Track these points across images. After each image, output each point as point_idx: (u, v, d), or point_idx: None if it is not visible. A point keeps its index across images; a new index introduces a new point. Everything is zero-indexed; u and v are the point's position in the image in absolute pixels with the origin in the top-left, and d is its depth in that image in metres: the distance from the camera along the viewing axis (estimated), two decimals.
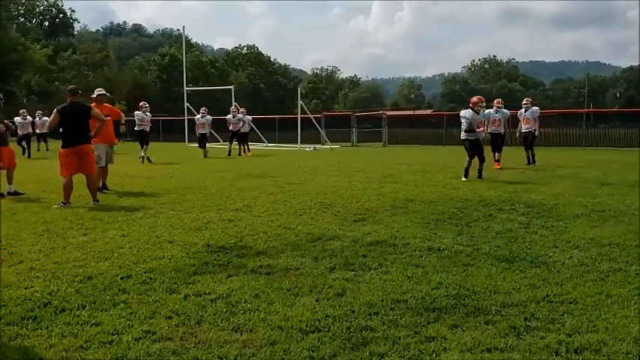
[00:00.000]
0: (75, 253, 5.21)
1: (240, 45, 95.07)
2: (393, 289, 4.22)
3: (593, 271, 4.65)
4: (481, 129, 11.69)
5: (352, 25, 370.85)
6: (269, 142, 29.23)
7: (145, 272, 4.61)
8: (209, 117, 20.37)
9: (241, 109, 21.35)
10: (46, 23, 67.69)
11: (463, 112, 11.60)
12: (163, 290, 4.16)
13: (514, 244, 5.63)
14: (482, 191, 9.31)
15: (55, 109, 8.10)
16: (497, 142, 13.72)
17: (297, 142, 26.18)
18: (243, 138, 20.91)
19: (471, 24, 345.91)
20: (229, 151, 20.24)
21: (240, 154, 20.38)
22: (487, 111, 13.33)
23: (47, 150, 21.58)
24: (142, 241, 5.75)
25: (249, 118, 21.94)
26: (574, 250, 5.36)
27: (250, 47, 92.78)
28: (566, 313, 3.69)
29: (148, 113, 18.13)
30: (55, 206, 7.84)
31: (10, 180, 9.17)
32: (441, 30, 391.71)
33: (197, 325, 3.51)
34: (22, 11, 64.49)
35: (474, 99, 11.78)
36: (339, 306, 3.84)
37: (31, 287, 4.18)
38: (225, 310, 3.76)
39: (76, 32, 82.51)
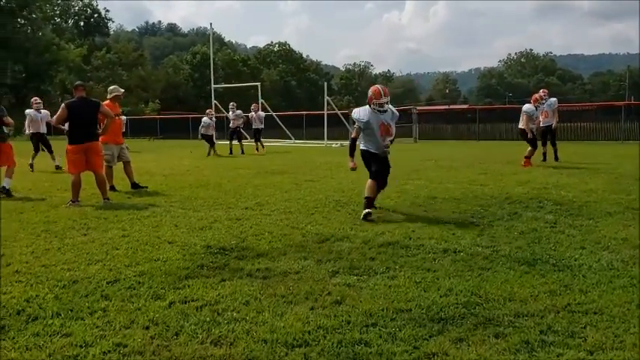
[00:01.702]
0: (67, 255, 4.97)
1: (271, 42, 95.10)
2: (398, 296, 3.83)
3: (624, 276, 4.17)
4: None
5: (386, 20, 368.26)
6: (296, 139, 28.92)
7: (134, 276, 4.33)
8: (239, 111, 20.12)
9: (252, 106, 21.06)
10: (82, 23, 68.87)
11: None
12: (148, 296, 3.86)
13: (537, 245, 5.16)
14: (509, 188, 8.79)
15: (64, 104, 7.92)
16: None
17: (324, 139, 25.81)
18: (256, 135, 20.57)
19: (508, 17, 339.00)
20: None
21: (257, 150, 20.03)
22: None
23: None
24: (140, 241, 5.48)
25: (262, 114, 21.51)
26: (603, 251, 4.87)
27: (282, 44, 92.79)
28: (588, 326, 3.25)
29: (213, 118, 19.40)
30: (64, 205, 7.67)
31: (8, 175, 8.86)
32: (477, 24, 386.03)
33: (174, 337, 3.19)
34: (57, 11, 65.71)
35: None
36: (335, 316, 3.48)
37: (9, 293, 3.94)
38: (208, 319, 3.43)
39: (112, 32, 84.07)
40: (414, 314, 3.49)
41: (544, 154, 13.27)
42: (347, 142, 25.85)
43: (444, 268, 4.50)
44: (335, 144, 24.24)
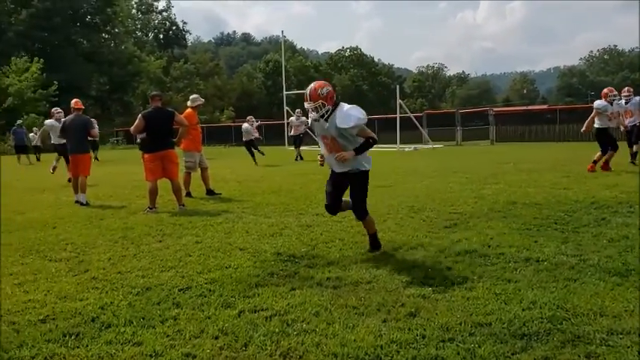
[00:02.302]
0: (142, 262, 5.06)
1: (342, 47, 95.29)
2: (476, 309, 3.60)
3: None
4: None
5: (460, 19, 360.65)
6: None
7: (205, 283, 4.32)
8: (304, 119, 20.07)
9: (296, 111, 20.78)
10: (161, 36, 71.75)
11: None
12: (219, 304, 3.83)
13: (630, 254, 4.75)
14: (595, 192, 8.24)
15: (140, 114, 8.16)
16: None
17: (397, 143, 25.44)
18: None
19: (590, 11, 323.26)
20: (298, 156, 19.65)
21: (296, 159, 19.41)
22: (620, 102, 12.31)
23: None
24: (213, 248, 5.51)
25: (299, 121, 20.93)
26: None
27: (353, 49, 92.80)
28: None
29: (254, 125, 19.01)
30: (142, 212, 7.89)
31: (80, 189, 9.11)
32: (557, 20, 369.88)
33: (243, 349, 3.12)
34: (138, 26, 68.82)
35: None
36: (409, 329, 3.30)
37: (86, 299, 4.02)
38: (278, 330, 3.35)
39: (189, 43, 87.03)
40: (494, 329, 3.26)
41: (633, 154, 12.40)
42: (421, 146, 25.45)
43: (526, 278, 4.21)
44: (408, 148, 23.87)
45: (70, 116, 9.45)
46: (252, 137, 18.59)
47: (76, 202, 9.00)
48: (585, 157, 12.49)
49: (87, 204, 8.96)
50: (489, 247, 5.23)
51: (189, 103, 9.93)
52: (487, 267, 4.57)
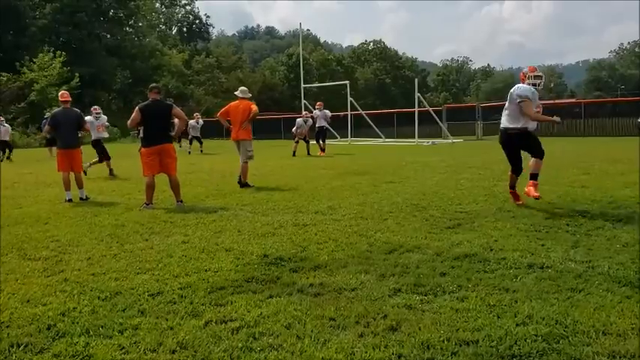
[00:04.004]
0: (121, 263, 4.80)
1: (366, 41, 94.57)
2: (465, 323, 3.25)
3: None
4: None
5: (485, 13, 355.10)
6: (387, 138, 28.28)
7: (178, 288, 4.04)
8: (326, 111, 19.69)
9: (317, 104, 20.21)
10: (184, 30, 71.95)
11: None
12: (186, 313, 3.54)
13: None
14: (614, 190, 7.78)
15: (137, 107, 7.91)
16: None
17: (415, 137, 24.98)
18: (320, 134, 19.48)
19: (620, 2, 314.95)
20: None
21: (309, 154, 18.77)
22: None
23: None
24: (198, 248, 5.23)
25: (329, 113, 20.05)
26: None
27: (376, 42, 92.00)
28: None
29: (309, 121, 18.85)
30: (138, 208, 7.66)
31: (78, 184, 8.94)
32: (585, 12, 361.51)
33: None
34: (162, 19, 69.11)
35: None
36: (385, 346, 2.97)
37: (49, 304, 3.76)
38: (241, 345, 3.04)
39: (213, 37, 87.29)
40: (480, 348, 2.91)
41: None
42: (439, 140, 24.90)
43: (525, 287, 3.84)
44: (426, 142, 23.40)
45: (59, 109, 9.12)
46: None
47: (69, 200, 8.63)
48: (608, 153, 11.95)
49: (87, 199, 8.78)
50: (491, 250, 4.87)
51: (242, 95, 9.94)
52: (485, 273, 4.21)
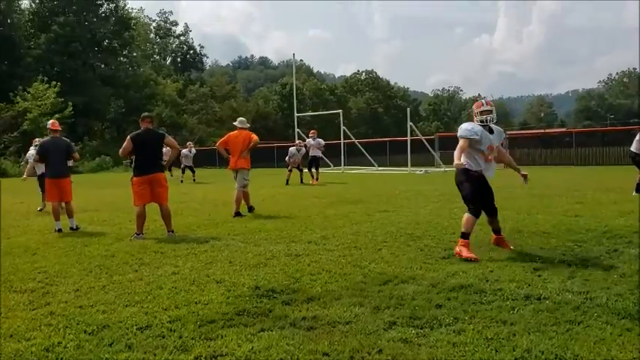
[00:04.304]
0: (109, 295, 4.68)
1: (358, 71, 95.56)
2: (463, 358, 3.16)
3: None
4: None
5: (477, 44, 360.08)
6: (380, 166, 28.31)
7: (168, 322, 3.92)
8: (320, 140, 19.64)
9: (310, 133, 20.27)
10: (178, 59, 72.40)
11: None
12: (175, 348, 3.43)
13: None
14: (609, 220, 7.75)
15: (129, 136, 7.85)
16: None
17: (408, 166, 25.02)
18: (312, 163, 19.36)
19: (610, 33, 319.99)
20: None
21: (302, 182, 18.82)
22: None
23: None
24: (188, 280, 5.12)
25: (322, 141, 19.89)
26: None
27: (368, 72, 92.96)
28: None
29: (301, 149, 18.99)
30: (129, 238, 7.55)
31: (68, 214, 8.80)
32: (576, 43, 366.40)
33: None
34: (156, 49, 69.60)
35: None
36: None
37: (33, 339, 3.64)
38: None
39: (207, 67, 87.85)
40: None
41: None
42: (432, 169, 24.96)
43: (523, 319, 3.76)
44: (419, 171, 23.42)
45: (47, 138, 9.01)
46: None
47: (58, 230, 8.48)
48: (600, 182, 11.96)
49: (77, 228, 8.66)
50: (487, 281, 4.79)
51: (241, 125, 10.18)
52: (482, 305, 4.13)
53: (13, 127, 38.07)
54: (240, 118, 10.62)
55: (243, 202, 10.05)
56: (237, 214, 9.66)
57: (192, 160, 23.17)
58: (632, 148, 11.38)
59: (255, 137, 10.07)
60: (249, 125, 10.46)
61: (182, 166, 23.01)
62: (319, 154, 19.53)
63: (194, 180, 22.46)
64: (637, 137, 11.35)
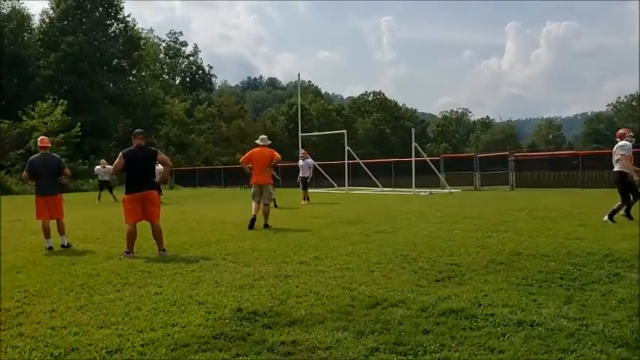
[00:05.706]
0: (85, 316, 4.52)
1: (366, 92, 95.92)
2: None
3: None
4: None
5: (485, 66, 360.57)
6: (385, 187, 28.10)
7: (140, 345, 3.75)
8: (310, 160, 19.85)
9: (300, 152, 20.39)
10: (187, 79, 72.90)
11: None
12: None
13: None
14: (612, 243, 7.51)
15: (121, 153, 7.74)
16: None
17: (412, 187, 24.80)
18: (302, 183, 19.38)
19: (618, 57, 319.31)
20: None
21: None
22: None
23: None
24: (169, 301, 4.95)
25: (311, 162, 20.41)
26: None
27: (376, 94, 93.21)
28: None
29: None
30: (118, 257, 7.39)
31: (60, 231, 8.67)
32: (584, 66, 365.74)
33: None
34: (165, 69, 70.15)
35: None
36: None
37: None
38: None
39: (217, 87, 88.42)
40: None
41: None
42: (437, 190, 24.72)
43: (513, 347, 3.56)
44: (423, 192, 23.20)
45: (37, 155, 8.83)
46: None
47: (49, 248, 8.35)
48: (605, 204, 11.69)
49: (69, 246, 8.52)
50: (480, 305, 4.58)
51: (263, 143, 10.86)
52: (471, 331, 3.93)
53: (20, 145, 38.23)
54: (262, 136, 11.32)
55: (259, 215, 10.53)
56: (266, 225, 10.43)
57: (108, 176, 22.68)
58: None
59: (277, 155, 10.80)
60: (269, 142, 11.07)
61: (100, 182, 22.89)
62: (309, 174, 19.61)
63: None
64: None
